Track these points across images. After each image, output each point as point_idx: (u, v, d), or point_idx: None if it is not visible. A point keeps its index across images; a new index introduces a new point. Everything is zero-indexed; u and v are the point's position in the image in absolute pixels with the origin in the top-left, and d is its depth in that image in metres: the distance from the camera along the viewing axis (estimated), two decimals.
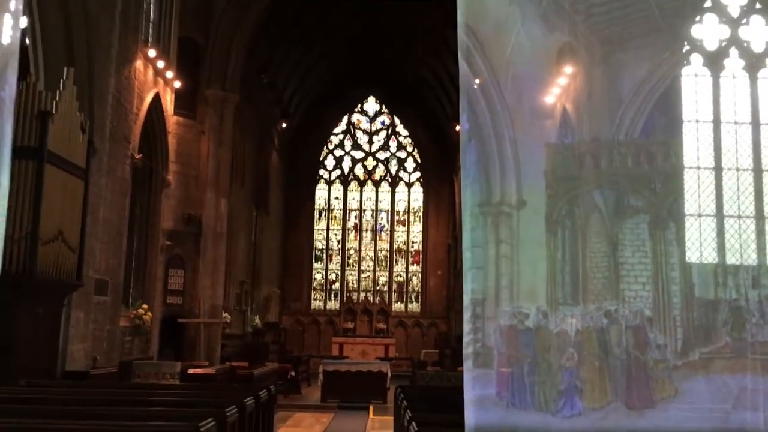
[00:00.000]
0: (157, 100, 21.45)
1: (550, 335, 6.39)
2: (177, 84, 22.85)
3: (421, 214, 35.68)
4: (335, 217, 35.97)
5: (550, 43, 6.56)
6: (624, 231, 6.64)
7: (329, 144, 36.61)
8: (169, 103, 22.72)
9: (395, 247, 35.92)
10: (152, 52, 20.09)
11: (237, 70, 24.51)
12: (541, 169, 6.58)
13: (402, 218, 35.93)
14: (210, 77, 24.58)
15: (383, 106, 36.52)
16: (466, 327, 6.20)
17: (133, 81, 18.10)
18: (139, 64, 18.90)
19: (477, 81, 6.30)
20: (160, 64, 20.82)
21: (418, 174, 36.11)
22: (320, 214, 36.19)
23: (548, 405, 6.28)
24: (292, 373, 24.44)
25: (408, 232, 35.80)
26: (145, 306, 20.45)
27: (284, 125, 33.56)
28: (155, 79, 21.17)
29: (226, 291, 25.86)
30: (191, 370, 17.21)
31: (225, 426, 6.96)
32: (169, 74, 22.10)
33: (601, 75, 6.68)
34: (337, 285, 35.20)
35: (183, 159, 23.69)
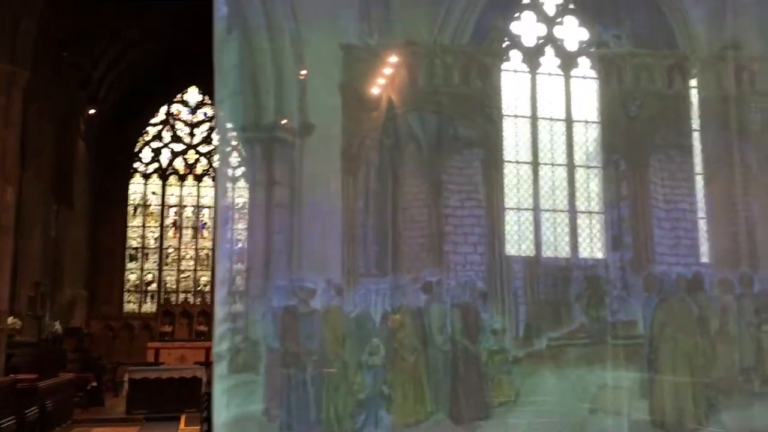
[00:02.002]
0: None
1: (347, 320, 4.47)
2: None
3: (246, 210, 33.14)
4: (152, 213, 32.49)
5: None
6: (450, 171, 4.92)
7: (146, 135, 33.09)
8: None
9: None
10: None
11: (28, 43, 20.68)
12: (336, 80, 4.66)
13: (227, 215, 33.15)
14: None
15: (206, 97, 33.70)
16: (220, 312, 4.15)
17: None
18: None
19: None
20: None
21: (243, 169, 33.54)
22: (135, 209, 32.53)
23: (342, 423, 4.34)
24: (94, 384, 21.00)
25: (231, 230, 33.08)
26: None
27: (92, 111, 29.73)
28: None
29: (14, 293, 21.84)
30: None
31: None
32: None
33: None
34: (153, 286, 31.76)
35: None
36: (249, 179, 4.33)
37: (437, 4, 4.98)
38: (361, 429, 4.34)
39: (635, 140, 5.46)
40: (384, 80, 4.73)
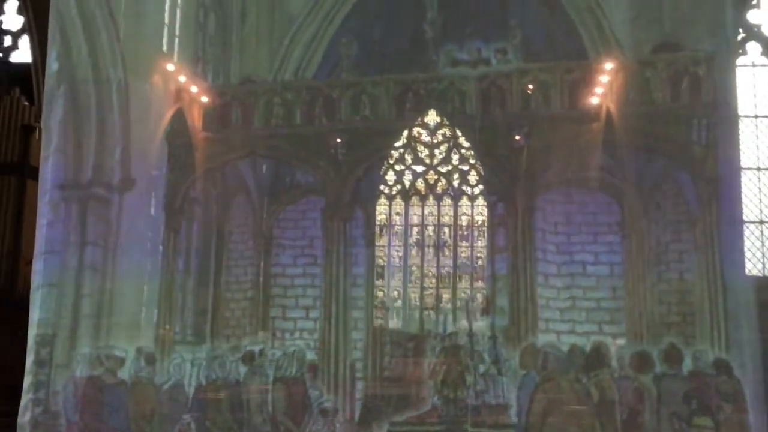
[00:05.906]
0: None
1: (157, 393, 4.06)
2: None
3: (485, 228, 34.28)
4: (397, 233, 34.66)
5: None
6: (283, 224, 4.35)
7: (389, 158, 35.73)
8: None
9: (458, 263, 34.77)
10: None
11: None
12: (163, 129, 4.31)
13: (465, 233, 34.35)
14: None
15: (444, 119, 35.26)
16: (27, 381, 3.97)
17: None
18: None
19: None
20: None
21: (480, 187, 34.53)
22: (381, 230, 35.06)
23: None
24: None
25: (472, 247, 34.35)
26: None
27: (339, 140, 33.10)
28: None
29: None
30: None
31: None
32: None
33: None
34: (399, 303, 34.06)
35: None
36: (61, 241, 4.13)
37: (279, 37, 4.45)
38: None
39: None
40: (215, 123, 4.30)
